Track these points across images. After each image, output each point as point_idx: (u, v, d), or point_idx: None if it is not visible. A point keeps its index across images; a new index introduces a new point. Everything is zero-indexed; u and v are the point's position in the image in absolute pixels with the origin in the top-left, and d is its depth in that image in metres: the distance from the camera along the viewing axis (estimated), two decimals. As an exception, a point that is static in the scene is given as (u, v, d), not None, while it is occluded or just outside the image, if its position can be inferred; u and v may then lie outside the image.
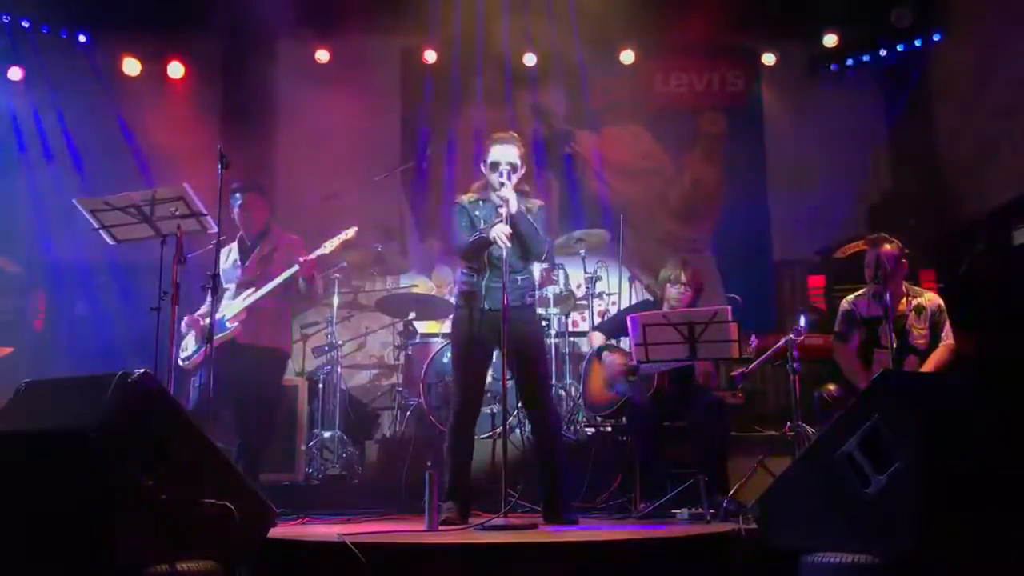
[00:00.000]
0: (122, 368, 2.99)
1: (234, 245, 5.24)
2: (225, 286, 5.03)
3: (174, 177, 5.24)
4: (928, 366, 4.78)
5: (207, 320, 4.71)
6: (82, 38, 7.86)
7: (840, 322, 5.06)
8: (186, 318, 5.07)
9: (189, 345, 5.09)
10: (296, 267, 4.95)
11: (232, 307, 5.00)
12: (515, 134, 4.56)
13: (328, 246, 5.16)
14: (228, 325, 4.93)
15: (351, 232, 5.27)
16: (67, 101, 7.65)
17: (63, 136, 7.53)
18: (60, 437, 2.86)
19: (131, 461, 2.84)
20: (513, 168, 4.41)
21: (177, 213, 4.34)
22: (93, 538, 2.75)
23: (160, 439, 2.94)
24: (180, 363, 5.00)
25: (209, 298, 4.72)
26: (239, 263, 5.15)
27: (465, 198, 4.58)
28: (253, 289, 5.00)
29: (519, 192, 4.42)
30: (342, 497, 5.50)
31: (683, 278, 5.06)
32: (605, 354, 5.22)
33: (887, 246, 4.87)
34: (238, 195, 5.15)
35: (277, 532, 3.50)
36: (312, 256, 5.00)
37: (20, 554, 2.85)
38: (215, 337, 4.60)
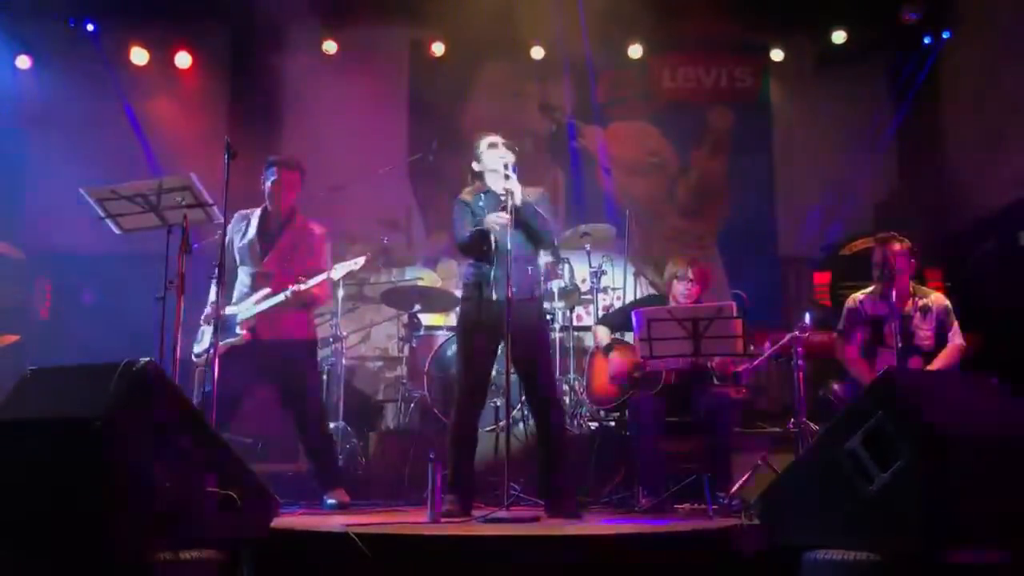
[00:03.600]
0: (127, 357, 3.00)
1: (254, 219, 5.01)
2: (240, 265, 4.94)
3: (181, 166, 5.22)
4: (936, 366, 4.75)
5: (223, 311, 4.66)
6: (90, 27, 7.84)
7: (845, 319, 5.04)
8: (208, 312, 4.92)
9: (205, 338, 4.95)
10: (303, 285, 4.76)
11: (245, 310, 4.86)
12: (498, 136, 4.58)
13: (336, 272, 4.96)
14: (238, 331, 4.80)
15: (360, 261, 5.07)
16: (74, 90, 7.63)
17: (70, 125, 7.52)
18: (64, 425, 2.87)
19: (135, 449, 2.85)
20: (513, 164, 4.44)
21: (183, 203, 4.31)
22: (96, 526, 2.76)
23: (164, 428, 2.95)
24: (194, 357, 4.94)
25: (215, 288, 4.61)
26: (257, 247, 4.95)
27: (466, 194, 4.60)
28: (269, 291, 4.82)
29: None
30: (346, 488, 5.50)
31: (690, 274, 5.04)
32: (613, 354, 5.18)
33: (896, 244, 4.85)
34: (273, 169, 4.96)
35: (280, 522, 3.51)
36: (308, 286, 4.79)
37: (24, 542, 2.86)
38: (229, 341, 4.70)
